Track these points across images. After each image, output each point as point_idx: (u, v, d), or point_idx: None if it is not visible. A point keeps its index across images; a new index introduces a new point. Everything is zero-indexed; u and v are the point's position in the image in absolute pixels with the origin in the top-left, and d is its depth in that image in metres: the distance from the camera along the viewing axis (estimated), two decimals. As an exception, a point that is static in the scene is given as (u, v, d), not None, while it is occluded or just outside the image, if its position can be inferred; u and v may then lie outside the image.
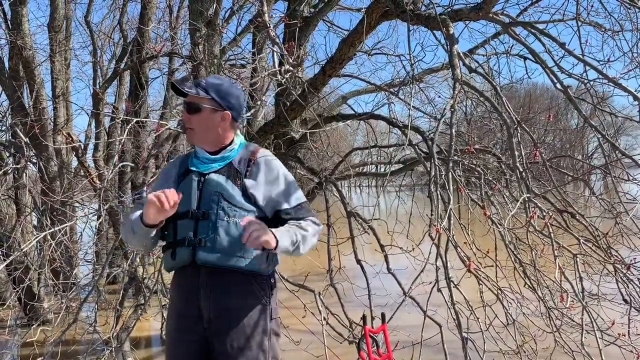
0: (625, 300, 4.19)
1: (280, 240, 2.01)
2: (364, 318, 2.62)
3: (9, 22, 7.36)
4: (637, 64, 4.11)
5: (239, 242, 2.04)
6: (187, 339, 2.14)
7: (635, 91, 3.49)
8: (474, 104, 7.71)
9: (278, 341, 2.21)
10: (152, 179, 5.79)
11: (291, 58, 3.87)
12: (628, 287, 4.18)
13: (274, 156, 2.26)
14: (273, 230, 2.02)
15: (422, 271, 3.36)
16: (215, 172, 2.18)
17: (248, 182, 2.15)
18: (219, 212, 2.10)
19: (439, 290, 3.27)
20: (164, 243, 2.26)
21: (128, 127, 4.13)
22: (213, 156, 2.21)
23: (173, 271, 2.25)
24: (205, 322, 2.12)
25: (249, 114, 4.57)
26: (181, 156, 2.38)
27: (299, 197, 2.21)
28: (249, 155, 2.21)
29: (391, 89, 6.01)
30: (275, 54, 4.17)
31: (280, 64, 4.01)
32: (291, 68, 3.74)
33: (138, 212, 2.13)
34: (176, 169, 2.28)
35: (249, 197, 2.14)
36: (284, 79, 3.74)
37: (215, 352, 2.12)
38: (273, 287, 2.21)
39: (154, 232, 2.13)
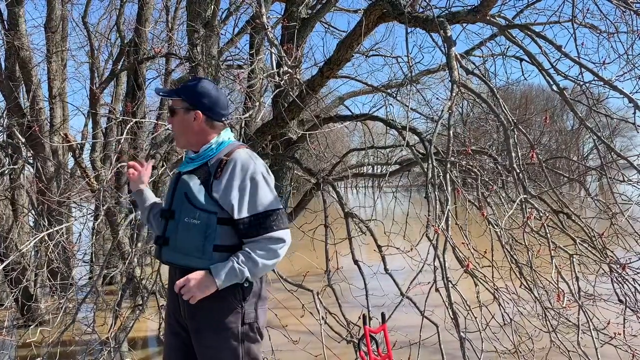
0: (620, 301, 4.22)
1: (222, 282, 2.02)
2: (363, 318, 2.63)
3: (5, 22, 7.34)
4: (632, 66, 4.14)
5: (197, 243, 2.08)
6: (175, 332, 2.23)
7: (630, 93, 3.52)
8: (470, 105, 7.74)
9: (257, 346, 2.16)
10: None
11: (289, 60, 3.89)
12: (623, 287, 4.21)
13: (250, 157, 2.15)
14: (215, 270, 2.02)
15: (420, 271, 3.38)
16: (189, 171, 2.19)
17: (215, 183, 2.11)
18: (181, 212, 2.13)
19: (437, 290, 3.30)
20: None
21: (127, 127, 4.13)
22: (194, 154, 2.26)
23: None
24: (184, 319, 2.18)
25: (246, 115, 4.58)
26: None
27: (258, 206, 2.08)
28: (224, 156, 2.16)
29: (388, 90, 6.03)
30: (273, 55, 4.18)
31: (279, 65, 4.03)
32: (289, 70, 3.76)
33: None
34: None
35: (212, 199, 2.09)
36: (283, 81, 3.76)
37: (194, 348, 2.19)
38: (247, 291, 2.12)
39: (145, 203, 2.45)
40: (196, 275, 2.03)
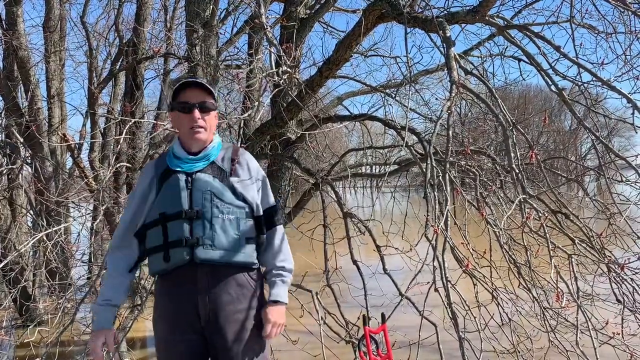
0: (618, 300, 4.23)
1: (286, 297, 2.26)
2: (363, 318, 2.64)
3: (3, 22, 7.34)
4: (630, 66, 4.14)
5: (235, 237, 2.16)
6: (185, 339, 2.15)
7: (629, 94, 3.53)
8: (468, 105, 7.76)
9: None
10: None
11: (289, 60, 3.89)
12: (621, 287, 4.22)
13: (252, 156, 2.38)
14: (272, 294, 2.24)
15: (419, 271, 3.39)
16: (200, 171, 2.21)
17: (234, 180, 2.22)
18: (213, 210, 2.15)
19: (436, 290, 3.30)
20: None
21: (126, 127, 4.13)
22: (194, 156, 2.24)
23: (156, 275, 2.26)
24: (203, 321, 2.14)
25: (245, 115, 4.57)
26: (152, 162, 2.35)
27: (269, 201, 2.33)
28: (232, 155, 2.28)
29: (386, 90, 6.03)
30: (272, 55, 4.18)
31: (278, 65, 4.03)
32: (289, 70, 3.76)
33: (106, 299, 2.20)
34: (151, 174, 2.27)
35: (237, 194, 2.21)
36: (282, 81, 3.76)
37: (216, 348, 2.16)
38: (260, 278, 2.29)
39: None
40: (274, 313, 2.20)
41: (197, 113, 2.23)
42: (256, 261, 2.24)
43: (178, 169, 2.22)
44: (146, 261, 2.30)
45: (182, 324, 2.15)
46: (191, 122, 2.22)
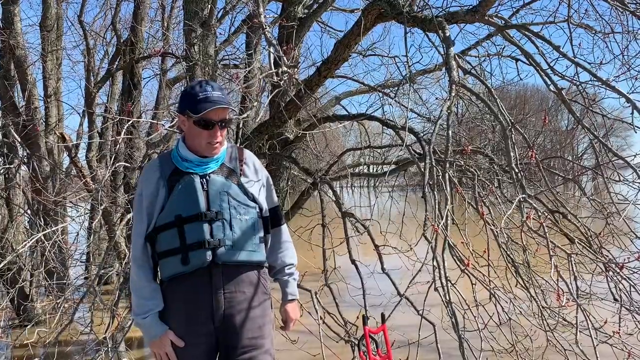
0: (615, 299, 4.24)
1: (297, 292, 2.41)
2: (363, 318, 2.64)
3: (0, 21, 7.32)
4: (628, 67, 4.16)
5: (252, 237, 2.20)
6: (199, 341, 2.15)
7: (627, 93, 3.54)
8: (465, 104, 7.76)
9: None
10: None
11: (288, 59, 3.89)
12: (618, 287, 4.22)
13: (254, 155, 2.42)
14: (289, 293, 2.38)
15: (419, 271, 3.39)
16: (212, 172, 2.19)
17: (244, 180, 2.24)
18: (231, 211, 2.16)
19: (435, 289, 3.30)
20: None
21: (125, 127, 4.12)
22: (204, 158, 2.20)
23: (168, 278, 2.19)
24: (217, 321, 2.14)
25: (244, 115, 4.57)
26: (155, 163, 2.28)
27: (274, 200, 2.38)
28: (238, 155, 2.29)
29: (385, 90, 6.03)
30: (271, 55, 4.18)
31: (277, 64, 4.02)
32: (288, 70, 3.76)
33: (156, 307, 2.17)
34: (157, 175, 2.20)
35: (249, 195, 2.23)
36: (282, 81, 3.76)
37: (229, 347, 2.16)
38: (267, 275, 2.33)
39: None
40: (295, 311, 2.40)
41: (218, 131, 2.17)
42: (265, 258, 2.29)
43: (190, 171, 2.18)
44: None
45: (197, 326, 2.14)
46: (210, 139, 2.17)
